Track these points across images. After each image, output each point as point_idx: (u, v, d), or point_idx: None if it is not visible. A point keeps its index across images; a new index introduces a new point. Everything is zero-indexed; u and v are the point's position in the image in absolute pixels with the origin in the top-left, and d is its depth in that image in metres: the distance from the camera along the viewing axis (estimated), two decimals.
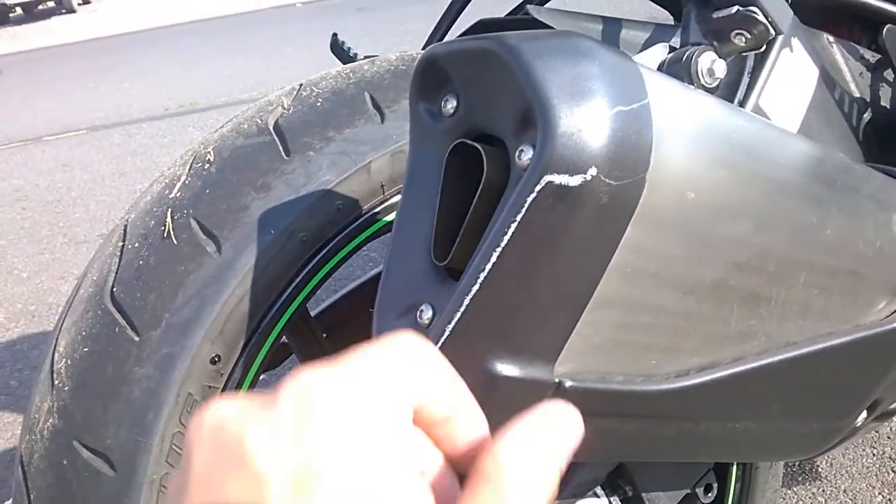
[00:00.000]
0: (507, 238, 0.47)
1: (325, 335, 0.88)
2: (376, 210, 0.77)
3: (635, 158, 0.47)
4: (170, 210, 0.72)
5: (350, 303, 1.02)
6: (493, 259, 0.47)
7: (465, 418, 0.33)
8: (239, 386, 0.71)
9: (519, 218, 0.46)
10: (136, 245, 0.71)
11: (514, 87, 0.48)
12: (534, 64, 0.47)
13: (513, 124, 0.49)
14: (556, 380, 0.52)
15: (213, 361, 0.68)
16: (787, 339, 0.62)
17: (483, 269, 0.48)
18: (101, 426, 0.66)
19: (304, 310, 0.81)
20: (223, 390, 0.70)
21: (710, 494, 0.86)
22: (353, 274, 2.30)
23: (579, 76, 0.47)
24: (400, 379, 0.30)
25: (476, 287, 0.48)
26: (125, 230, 0.73)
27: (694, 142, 0.51)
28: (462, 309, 0.48)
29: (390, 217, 0.78)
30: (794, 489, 1.41)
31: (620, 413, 0.56)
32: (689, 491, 0.84)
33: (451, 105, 0.55)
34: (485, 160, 0.51)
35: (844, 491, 1.39)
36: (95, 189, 3.84)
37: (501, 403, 0.51)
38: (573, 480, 0.76)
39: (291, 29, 7.95)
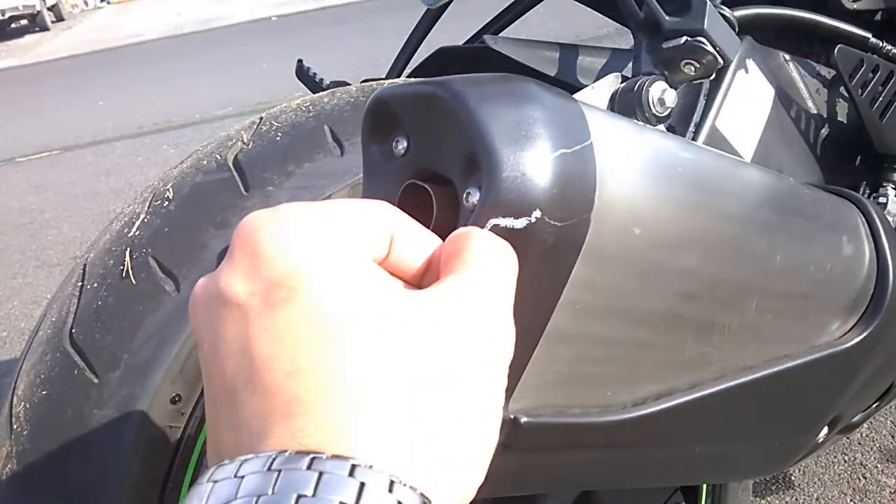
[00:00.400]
0: None
1: None
2: None
3: (579, 199, 0.47)
4: (128, 249, 0.71)
5: None
6: None
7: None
8: (202, 424, 0.71)
9: None
10: (95, 285, 0.71)
11: (460, 131, 0.48)
12: (478, 109, 0.47)
13: (460, 167, 0.50)
14: (511, 416, 0.52)
15: (173, 401, 0.68)
16: (743, 364, 0.63)
17: None
18: (61, 472, 0.65)
19: None
20: (184, 430, 0.69)
21: None
22: None
23: (522, 120, 0.47)
24: (356, 216, 0.37)
25: None
26: (84, 270, 0.73)
27: (638, 179, 0.52)
28: None
29: None
30: (768, 498, 1.42)
31: (579, 444, 0.57)
32: None
33: (401, 146, 0.55)
34: (434, 201, 0.51)
35: (817, 499, 1.40)
36: (69, 210, 3.81)
37: None
38: (541, 502, 0.76)
39: (267, 43, 7.94)
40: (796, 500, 1.40)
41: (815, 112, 1.06)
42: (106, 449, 0.66)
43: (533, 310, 0.49)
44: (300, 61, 1.27)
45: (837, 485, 1.42)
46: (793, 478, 1.45)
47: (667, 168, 0.54)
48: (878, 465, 1.44)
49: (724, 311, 0.59)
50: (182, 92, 6.23)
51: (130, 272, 0.70)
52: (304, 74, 1.25)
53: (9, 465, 0.67)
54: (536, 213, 0.46)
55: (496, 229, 0.46)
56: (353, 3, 9.33)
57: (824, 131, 1.06)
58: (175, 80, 6.93)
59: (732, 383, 0.63)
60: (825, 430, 0.79)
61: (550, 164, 0.46)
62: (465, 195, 0.49)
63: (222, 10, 11.51)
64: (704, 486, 1.03)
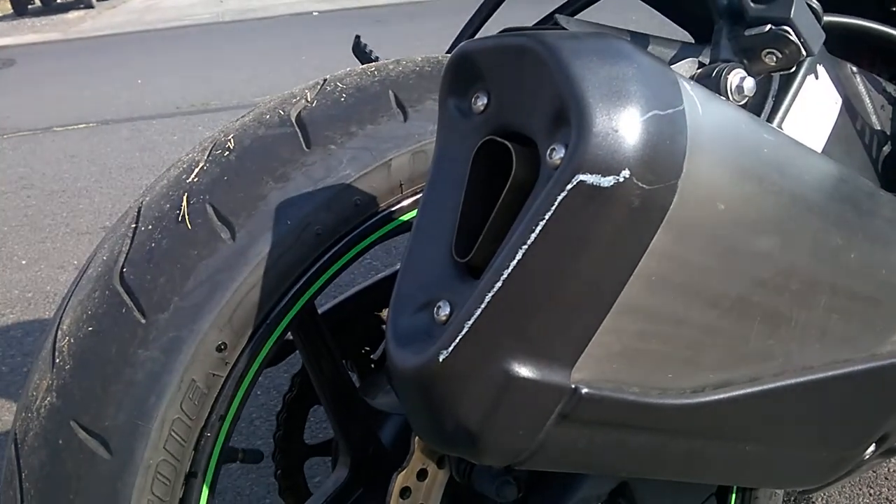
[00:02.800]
0: (534, 236, 0.46)
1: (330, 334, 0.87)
2: (393, 209, 0.76)
3: (669, 164, 0.46)
4: (186, 194, 0.71)
5: (356, 304, 1.02)
6: (518, 257, 0.46)
7: None
8: (243, 376, 0.70)
9: (547, 216, 0.46)
10: (150, 227, 0.70)
11: (550, 85, 0.47)
12: (571, 63, 0.46)
13: (545, 123, 0.49)
14: (573, 386, 0.51)
15: (218, 349, 0.67)
16: (804, 363, 0.61)
17: (507, 267, 0.47)
18: (101, 407, 0.64)
19: (311, 305, 0.80)
20: (226, 379, 0.68)
21: None
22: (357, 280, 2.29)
23: (616, 77, 0.46)
24: None
25: (499, 284, 0.47)
26: (139, 212, 0.72)
27: (726, 152, 0.50)
28: (483, 306, 0.48)
29: (406, 217, 0.77)
30: None
31: (634, 425, 0.55)
32: None
33: (481, 102, 0.54)
34: (514, 158, 0.50)
35: None
36: (102, 182, 3.84)
37: (516, 404, 0.50)
38: (576, 495, 0.75)
39: (307, 37, 7.99)
40: None
41: (879, 128, 1.04)
42: (147, 390, 0.65)
43: (608, 276, 0.48)
44: (357, 37, 1.26)
45: None
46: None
47: (754, 147, 0.52)
48: None
49: (794, 304, 0.58)
50: (220, 77, 6.27)
51: (187, 217, 0.70)
52: (360, 50, 1.25)
53: (48, 398, 0.66)
54: (625, 173, 0.45)
55: (582, 186, 0.45)
56: (397, 4, 9.38)
57: (886, 148, 1.04)
58: (214, 65, 6.98)
59: (791, 381, 0.61)
60: (872, 447, 0.77)
61: (643, 124, 0.45)
62: (548, 152, 0.48)
63: (264, 1, 11.62)
64: (734, 498, 1.00)
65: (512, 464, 0.54)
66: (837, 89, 0.93)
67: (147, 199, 0.74)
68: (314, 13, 10.30)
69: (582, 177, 0.45)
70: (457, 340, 0.48)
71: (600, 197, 0.45)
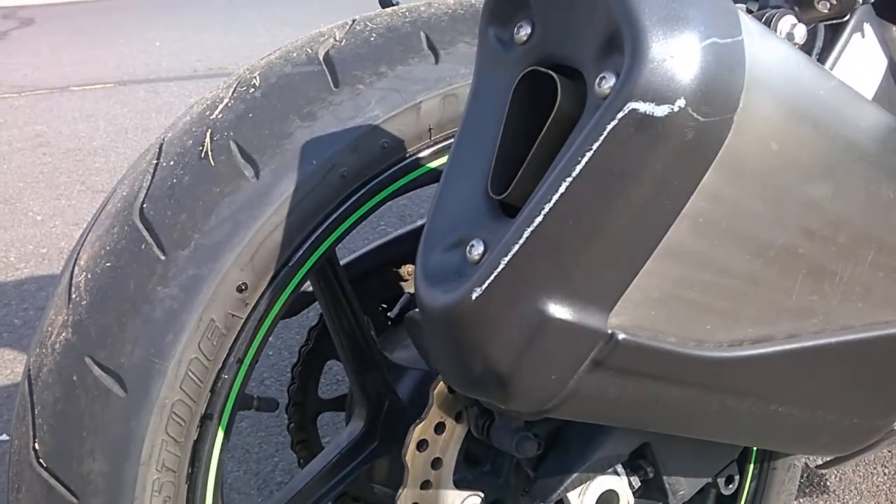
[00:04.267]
0: (580, 167, 0.44)
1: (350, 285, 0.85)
2: (421, 155, 0.74)
3: (726, 96, 0.44)
4: (209, 131, 0.69)
5: (378, 257, 1.00)
6: (562, 190, 0.44)
7: None
8: (262, 320, 0.68)
9: (596, 146, 0.43)
10: (171, 163, 0.68)
11: (603, 9, 0.45)
12: None
13: (595, 50, 0.46)
14: (610, 331, 0.49)
15: (239, 289, 0.65)
16: (844, 322, 0.59)
17: (549, 200, 0.44)
18: (117, 344, 0.63)
19: (333, 255, 0.78)
20: (246, 321, 0.67)
21: (730, 486, 0.83)
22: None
23: (674, 2, 0.43)
24: None
25: (539, 219, 0.45)
26: (161, 148, 0.70)
27: (784, 91, 0.47)
28: (521, 242, 0.45)
29: (434, 164, 0.75)
30: (802, 501, 1.37)
31: (668, 377, 0.53)
32: (710, 480, 0.80)
33: (524, 32, 0.52)
34: (559, 89, 0.47)
35: None
36: (117, 141, 3.82)
37: (549, 347, 0.48)
38: (596, 454, 0.73)
39: (327, 4, 7.92)
40: None
41: None
42: (165, 328, 0.63)
43: (655, 214, 0.46)
44: None
45: (875, 496, 1.37)
46: (829, 483, 1.40)
47: (810, 88, 0.50)
48: None
49: (840, 258, 0.55)
50: (238, 41, 6.23)
51: (210, 154, 0.67)
52: (387, 2, 1.22)
53: (63, 334, 0.64)
54: (680, 102, 0.42)
55: (633, 115, 0.43)
56: None
57: None
58: (231, 29, 6.93)
59: (831, 340, 0.59)
60: None
61: (701, 52, 0.43)
62: (598, 80, 0.45)
63: None
64: (752, 469, 0.98)
65: (541, 410, 0.52)
66: (883, 50, 0.90)
67: (169, 135, 0.72)
68: None
69: (634, 105, 0.42)
70: (491, 278, 0.46)
71: (653, 127, 0.42)
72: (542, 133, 0.48)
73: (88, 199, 3.08)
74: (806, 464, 1.25)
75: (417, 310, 0.78)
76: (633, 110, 0.42)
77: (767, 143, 0.47)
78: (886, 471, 1.44)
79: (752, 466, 0.97)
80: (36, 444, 0.63)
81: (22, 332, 2.15)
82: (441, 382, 0.74)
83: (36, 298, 2.32)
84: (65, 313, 0.65)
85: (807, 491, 1.39)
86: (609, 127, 0.42)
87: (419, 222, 1.08)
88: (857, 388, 0.66)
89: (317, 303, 0.89)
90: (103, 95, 4.79)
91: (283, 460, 1.55)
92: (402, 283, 1.06)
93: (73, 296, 0.66)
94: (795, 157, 0.48)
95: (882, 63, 0.90)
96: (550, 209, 0.44)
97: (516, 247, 0.45)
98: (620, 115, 0.42)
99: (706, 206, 0.46)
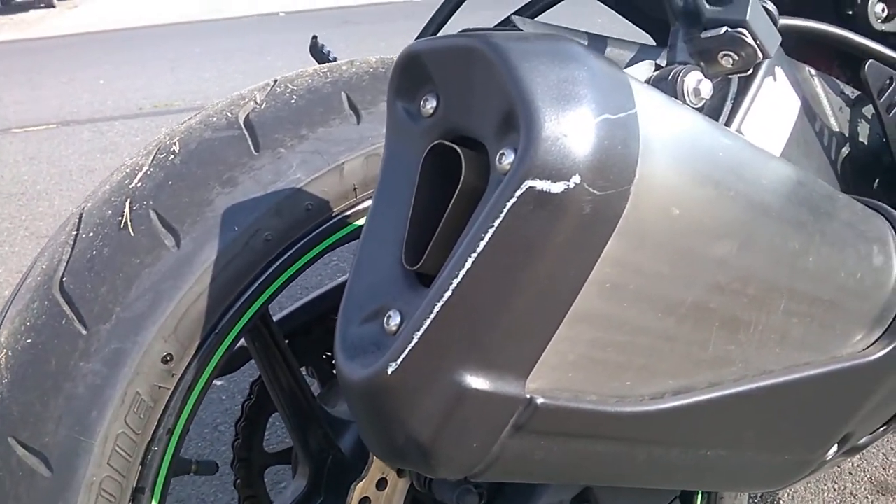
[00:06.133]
0: (483, 243, 0.44)
1: (286, 341, 0.84)
2: (347, 213, 0.74)
3: (621, 169, 0.45)
4: (129, 200, 0.68)
5: (313, 310, 0.99)
6: (468, 265, 0.45)
7: None
8: (191, 388, 0.67)
9: (497, 223, 0.44)
10: (91, 235, 0.68)
11: (499, 87, 0.46)
12: (520, 65, 0.45)
13: (494, 126, 0.47)
14: (528, 396, 0.49)
15: (164, 360, 0.65)
16: (764, 367, 0.61)
17: (457, 275, 0.45)
18: (40, 423, 0.62)
19: (265, 313, 0.77)
20: (174, 392, 0.66)
21: None
22: (319, 282, 2.26)
23: (567, 80, 0.45)
24: None
25: (448, 293, 0.45)
26: (80, 219, 0.69)
27: (681, 156, 0.49)
28: (432, 316, 0.46)
29: (361, 221, 0.75)
30: None
31: (593, 434, 0.54)
32: None
33: (430, 105, 0.52)
34: (463, 163, 0.48)
35: None
36: (62, 184, 3.76)
37: (469, 416, 0.48)
38: (539, 500, 0.73)
39: (273, 38, 7.91)
40: None
41: (838, 130, 1.04)
42: (89, 404, 0.62)
43: (561, 284, 0.47)
44: (314, 37, 1.24)
45: None
46: (781, 502, 1.42)
47: (709, 150, 0.51)
48: (869, 497, 1.42)
49: (752, 309, 0.57)
50: (185, 78, 6.18)
51: (129, 224, 0.67)
52: (317, 51, 1.22)
53: None
54: (576, 179, 0.43)
55: (531, 192, 0.44)
56: (366, 5, 9.32)
57: (845, 150, 1.04)
58: (179, 65, 6.88)
59: (752, 386, 0.60)
60: (834, 447, 0.77)
61: (594, 128, 0.44)
62: (498, 156, 0.46)
63: (230, 2, 11.49)
64: (699, 499, 1.00)
65: (468, 476, 0.52)
66: (796, 91, 0.93)
67: (89, 205, 0.71)
68: (280, 13, 10.21)
69: (531, 182, 0.43)
70: (406, 352, 0.47)
71: (550, 203, 0.43)
72: (450, 205, 0.49)
73: (33, 245, 3.01)
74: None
75: None
76: (531, 188, 0.43)
77: (667, 208, 0.48)
78: (836, 486, 1.47)
79: (699, 497, 0.99)
80: None
81: None
82: None
83: None
84: None
85: None
86: (508, 205, 0.43)
87: None
88: (783, 428, 0.67)
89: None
90: (46, 136, 4.71)
91: None
92: None
93: None
94: (698, 219, 0.50)
95: (796, 103, 0.93)
96: (458, 283, 0.45)
97: (428, 321, 0.46)
98: (518, 192, 0.43)
99: (612, 272, 0.48)
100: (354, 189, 0.74)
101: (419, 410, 0.48)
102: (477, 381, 0.47)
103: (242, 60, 6.68)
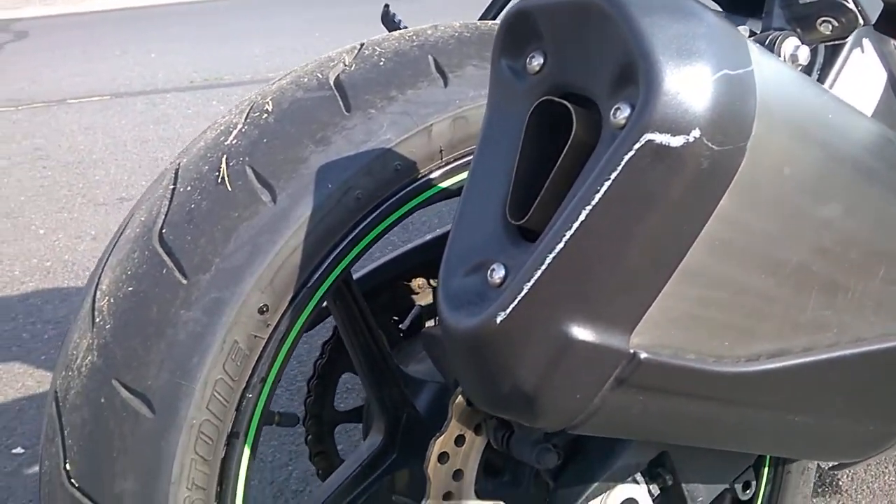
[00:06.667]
0: (598, 196, 0.45)
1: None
2: (432, 176, 0.75)
3: (738, 125, 0.45)
4: (225, 156, 0.70)
5: (389, 272, 1.01)
6: (582, 217, 0.46)
7: None
8: (283, 339, 0.69)
9: (613, 176, 0.45)
10: (188, 189, 0.70)
11: (617, 41, 0.46)
12: (640, 19, 0.45)
13: (609, 82, 0.47)
14: (632, 350, 0.50)
15: (260, 311, 0.67)
16: (858, 335, 0.60)
17: (569, 227, 0.46)
18: (143, 367, 0.64)
19: (348, 271, 0.79)
20: (268, 342, 0.68)
21: (748, 492, 0.84)
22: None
23: (686, 35, 0.45)
24: None
25: (560, 246, 0.46)
26: (176, 174, 0.72)
27: (794, 116, 0.49)
28: (543, 267, 0.47)
29: (445, 184, 0.76)
30: (815, 500, 1.39)
31: (689, 392, 0.54)
32: (727, 486, 0.82)
33: (536, 62, 0.53)
34: (574, 118, 0.49)
35: None
36: (116, 153, 3.83)
37: (574, 367, 0.49)
38: (615, 463, 0.74)
39: (321, 13, 7.93)
40: None
41: None
42: (190, 351, 0.64)
43: (673, 239, 0.47)
44: (386, 6, 1.25)
45: (887, 495, 1.38)
46: (841, 483, 1.42)
47: (819, 112, 0.51)
48: None
49: (852, 274, 0.57)
50: (235, 52, 6.23)
51: (227, 179, 0.69)
52: (389, 20, 1.23)
53: (89, 357, 0.66)
54: (695, 133, 0.44)
55: (650, 146, 0.44)
56: None
57: None
58: (227, 40, 6.94)
59: (845, 353, 0.60)
60: None
61: (714, 83, 0.44)
62: (612, 111, 0.46)
63: None
64: (766, 472, 1.00)
65: (565, 428, 0.53)
66: (883, 64, 0.91)
67: (184, 160, 0.73)
68: None
69: (650, 136, 0.43)
70: (515, 302, 0.48)
71: (669, 157, 0.44)
72: (559, 161, 0.49)
73: (90, 212, 3.09)
74: (819, 465, 1.26)
75: (433, 326, 0.80)
76: (650, 141, 0.43)
77: (780, 167, 0.48)
78: None
79: (767, 470, 0.99)
80: (67, 465, 0.64)
81: (31, 346, 2.16)
82: (460, 396, 0.75)
83: (43, 312, 2.33)
84: (89, 337, 0.67)
85: (820, 491, 1.41)
86: (626, 157, 0.44)
87: (428, 236, 1.09)
88: (871, 397, 0.67)
89: (330, 317, 0.90)
90: (100, 108, 4.79)
91: (298, 469, 1.56)
92: (413, 297, 1.07)
93: (97, 320, 0.67)
94: (807, 179, 0.50)
95: (882, 77, 0.92)
96: (571, 236, 0.46)
97: (539, 272, 0.47)
98: (637, 145, 0.43)
99: (722, 230, 0.48)
100: (441, 151, 0.75)
101: (525, 360, 0.49)
102: (584, 333, 0.48)
103: (290, 36, 6.72)
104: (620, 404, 0.52)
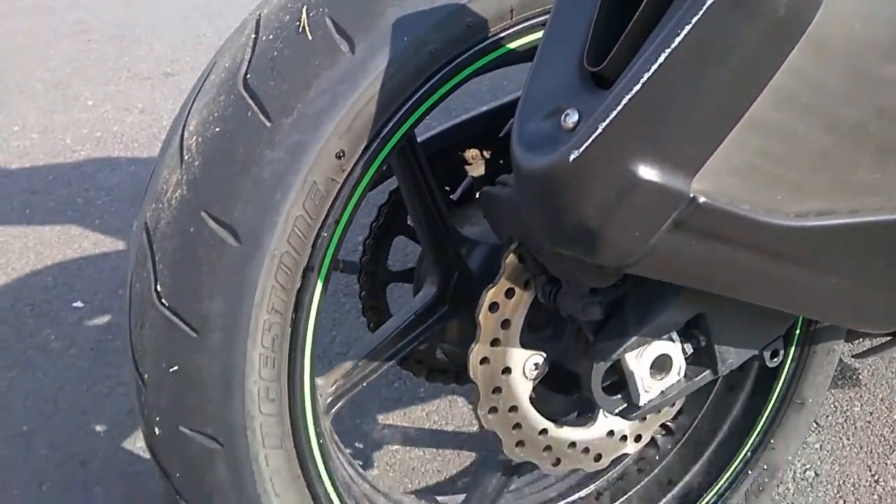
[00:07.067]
0: (677, 40, 0.48)
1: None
2: (501, 35, 0.77)
3: None
4: (305, 7, 0.73)
5: (446, 139, 1.04)
6: (661, 60, 0.48)
7: None
8: (356, 185, 0.74)
9: (694, 20, 0.47)
10: (270, 37, 0.73)
11: None
12: None
13: None
14: (692, 195, 0.54)
15: (337, 156, 0.71)
16: None
17: (648, 70, 0.49)
18: (230, 201, 0.69)
19: (412, 131, 0.83)
20: (342, 185, 0.73)
21: (775, 360, 0.89)
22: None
23: None
24: None
25: (637, 88, 0.49)
26: (258, 23, 0.75)
27: None
28: (619, 108, 0.50)
29: (514, 45, 0.79)
30: (834, 392, 1.45)
31: (739, 241, 0.58)
32: (756, 353, 0.87)
33: None
34: None
35: (882, 399, 1.43)
36: (158, 29, 3.83)
37: (637, 206, 0.53)
38: (655, 320, 0.79)
39: None
40: (861, 397, 1.43)
41: None
42: (273, 188, 0.69)
43: (743, 87, 0.50)
44: None
45: None
46: (861, 377, 1.47)
47: None
48: None
49: None
50: None
51: (307, 28, 0.72)
52: None
53: (178, 191, 0.71)
54: None
55: None
56: None
57: None
58: None
59: (889, 217, 0.63)
60: None
61: None
62: None
63: None
64: (792, 351, 1.05)
65: (621, 265, 0.58)
66: None
67: (265, 10, 0.76)
68: None
69: None
70: (589, 141, 0.51)
71: (748, 3, 0.46)
72: (640, 8, 0.52)
73: (136, 86, 3.13)
74: (841, 357, 1.31)
75: (491, 186, 0.84)
76: None
77: (851, 23, 0.50)
78: None
79: (793, 349, 1.04)
80: (158, 287, 0.70)
81: (85, 211, 2.26)
82: (512, 253, 0.80)
83: (95, 179, 2.41)
84: (178, 173, 0.72)
85: (840, 383, 1.47)
86: (707, 3, 0.46)
87: (483, 108, 1.12)
88: None
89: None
90: None
91: (340, 334, 1.66)
92: (467, 167, 1.11)
93: (186, 157, 0.72)
94: (876, 37, 0.52)
95: None
96: (648, 78, 0.49)
97: (614, 113, 0.50)
98: None
99: (789, 82, 0.51)
100: (511, 11, 0.77)
101: (593, 197, 0.53)
102: (650, 174, 0.52)
103: None
104: (675, 247, 0.57)
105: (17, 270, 2.21)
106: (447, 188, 1.13)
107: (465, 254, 0.93)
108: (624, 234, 0.55)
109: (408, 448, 1.41)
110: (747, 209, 0.57)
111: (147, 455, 1.45)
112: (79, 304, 2.01)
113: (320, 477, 0.78)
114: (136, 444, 1.46)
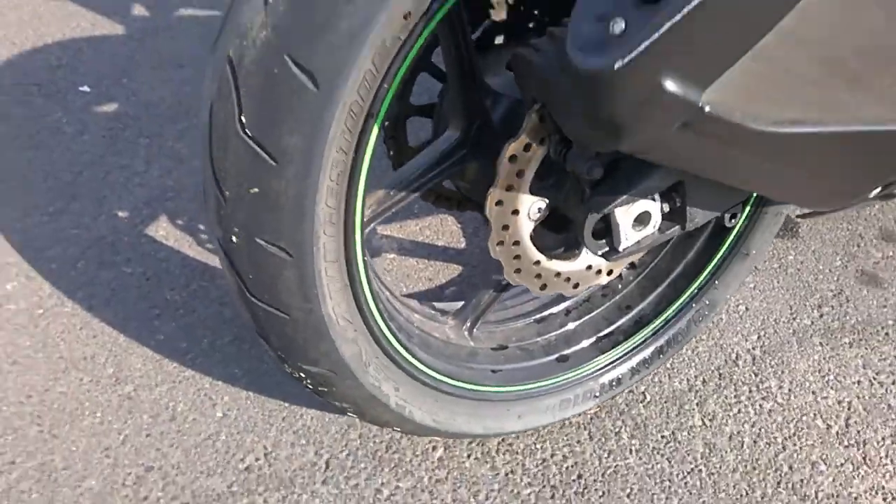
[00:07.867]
0: None
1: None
2: None
3: None
4: None
5: None
6: None
7: None
8: (412, 45, 0.84)
9: None
10: None
11: None
12: None
13: None
14: (700, 104, 0.69)
15: (405, 17, 0.81)
16: (865, 116, 0.79)
17: (690, 2, 0.62)
18: (311, 48, 0.79)
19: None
20: (404, 44, 0.83)
21: (733, 221, 1.08)
22: None
23: None
24: None
25: (680, 15, 0.62)
26: None
27: None
28: (662, 31, 0.63)
29: None
30: (775, 241, 1.66)
31: (729, 140, 0.74)
32: (719, 214, 1.05)
33: None
34: None
35: (813, 251, 1.66)
36: None
37: (657, 111, 0.68)
38: (643, 183, 0.96)
39: None
40: (797, 247, 1.66)
41: None
42: (349, 42, 0.79)
43: (763, 19, 0.63)
44: None
45: (833, 244, 1.67)
46: (800, 231, 1.69)
47: None
48: (874, 240, 1.69)
49: (873, 73, 0.74)
50: None
51: None
52: None
53: (263, 33, 0.80)
54: None
55: None
56: None
57: None
58: None
59: (846, 128, 0.79)
60: (878, 189, 0.98)
61: None
62: None
63: None
64: (748, 210, 1.24)
65: (637, 153, 0.73)
66: None
67: None
68: None
69: None
70: (633, 54, 0.65)
71: None
72: None
73: None
74: (788, 214, 1.51)
75: (523, 48, 0.95)
76: None
77: None
78: (849, 227, 1.72)
79: (749, 209, 1.23)
80: (242, 118, 0.82)
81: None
82: (535, 113, 0.94)
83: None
84: (263, 15, 0.80)
85: (781, 234, 1.69)
86: None
87: None
88: (858, 167, 0.87)
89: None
90: None
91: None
92: (490, 11, 1.19)
93: (270, 0, 0.80)
94: None
95: None
96: (694, 7, 0.62)
97: (657, 34, 0.63)
98: None
99: (792, 21, 0.64)
100: None
101: (625, 98, 0.67)
102: (674, 86, 0.66)
103: None
104: (680, 142, 0.72)
105: (18, 46, 2.23)
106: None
107: (489, 105, 1.05)
108: (643, 132, 0.70)
109: (403, 257, 1.60)
110: (739, 117, 0.72)
111: (169, 242, 1.63)
112: (85, 88, 2.07)
113: (361, 285, 0.97)
114: (158, 232, 1.61)
